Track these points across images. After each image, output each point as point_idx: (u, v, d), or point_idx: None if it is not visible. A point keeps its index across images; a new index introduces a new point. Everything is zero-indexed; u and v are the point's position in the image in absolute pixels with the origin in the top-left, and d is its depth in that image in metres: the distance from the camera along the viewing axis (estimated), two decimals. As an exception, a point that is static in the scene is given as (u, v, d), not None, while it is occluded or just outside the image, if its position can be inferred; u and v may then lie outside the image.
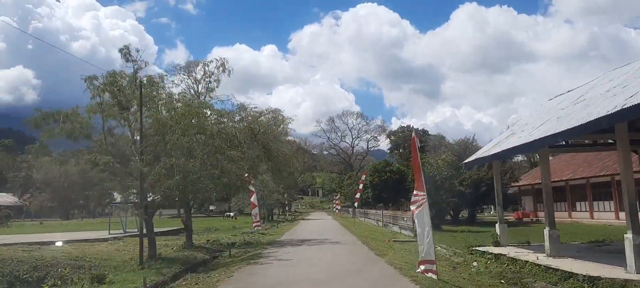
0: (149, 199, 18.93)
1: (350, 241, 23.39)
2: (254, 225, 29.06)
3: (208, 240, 25.50)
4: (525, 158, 62.92)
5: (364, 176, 39.31)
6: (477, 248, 16.92)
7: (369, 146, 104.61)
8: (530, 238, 18.66)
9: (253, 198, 28.25)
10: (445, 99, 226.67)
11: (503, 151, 15.95)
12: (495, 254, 15.15)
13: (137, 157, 16.98)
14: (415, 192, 11.20)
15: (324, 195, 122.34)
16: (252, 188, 27.89)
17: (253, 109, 27.33)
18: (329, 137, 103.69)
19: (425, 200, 10.85)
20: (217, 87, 32.82)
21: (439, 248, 16.98)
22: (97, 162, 17.91)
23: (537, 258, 13.08)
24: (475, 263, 14.29)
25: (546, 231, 14.12)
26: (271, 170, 32.43)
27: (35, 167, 63.03)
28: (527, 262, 12.98)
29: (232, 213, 58.63)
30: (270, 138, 26.53)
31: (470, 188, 38.11)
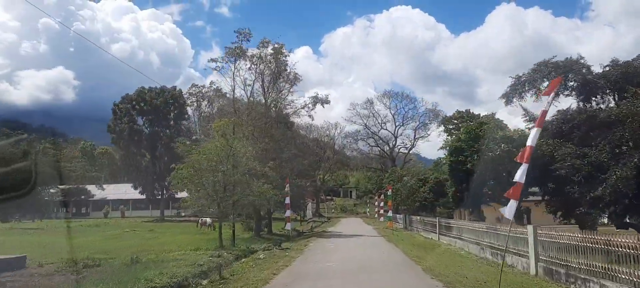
0: None
1: None
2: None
3: None
4: None
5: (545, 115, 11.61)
6: None
7: (416, 136, 77.13)
8: None
9: None
10: (482, 103, 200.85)
11: None
12: None
13: None
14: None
15: (358, 196, 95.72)
16: None
17: None
18: (366, 124, 76.76)
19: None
20: None
21: None
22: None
23: None
24: None
25: None
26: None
27: None
28: None
29: (208, 220, 32.95)
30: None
31: None
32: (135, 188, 60.77)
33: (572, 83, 19.77)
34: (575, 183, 17.23)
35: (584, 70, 18.65)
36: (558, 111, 21.44)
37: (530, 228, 12.93)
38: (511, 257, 14.41)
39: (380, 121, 77.16)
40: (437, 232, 25.32)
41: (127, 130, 55.62)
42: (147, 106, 56.52)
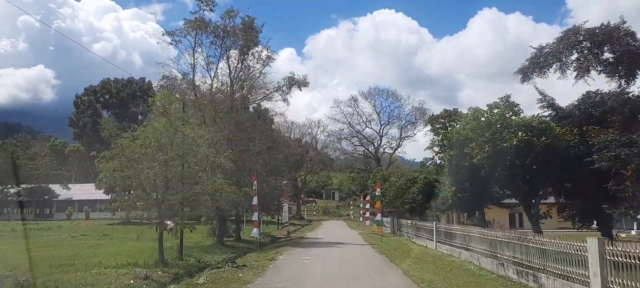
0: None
1: None
2: None
3: None
4: None
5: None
6: None
7: (402, 135, 73.40)
8: None
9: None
10: (464, 107, 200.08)
11: None
12: None
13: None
14: None
15: (342, 198, 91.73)
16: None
17: None
18: (350, 122, 72.82)
19: None
20: None
21: None
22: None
23: None
24: None
25: None
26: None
27: None
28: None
29: (170, 223, 28.10)
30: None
31: None
32: (99, 188, 55.42)
33: (606, 56, 15.79)
34: (624, 178, 13.21)
35: (628, 39, 14.63)
36: (586, 94, 17.51)
37: (593, 241, 8.78)
38: (553, 281, 10.32)
39: (364, 119, 73.45)
40: (434, 239, 21.26)
41: (91, 125, 50.51)
42: (112, 99, 51.45)
